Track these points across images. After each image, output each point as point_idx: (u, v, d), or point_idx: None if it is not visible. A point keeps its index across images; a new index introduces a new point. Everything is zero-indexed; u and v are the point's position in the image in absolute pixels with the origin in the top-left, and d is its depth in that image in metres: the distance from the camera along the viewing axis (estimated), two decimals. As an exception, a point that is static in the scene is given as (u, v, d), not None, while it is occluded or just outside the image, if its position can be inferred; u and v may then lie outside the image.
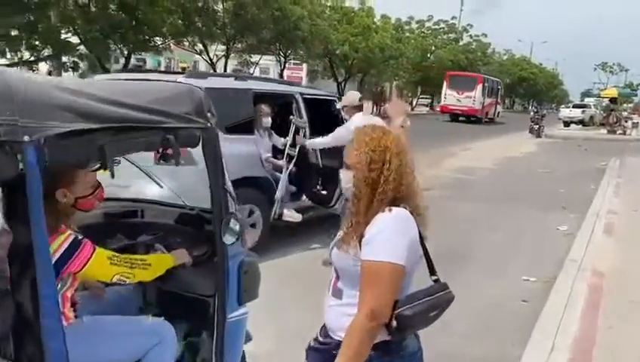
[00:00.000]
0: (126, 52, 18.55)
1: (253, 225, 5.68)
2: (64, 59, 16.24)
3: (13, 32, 14.36)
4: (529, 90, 64.38)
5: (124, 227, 2.82)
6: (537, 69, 64.95)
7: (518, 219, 8.09)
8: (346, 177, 1.87)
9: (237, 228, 2.19)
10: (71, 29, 16.00)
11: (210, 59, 23.34)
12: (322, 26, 24.10)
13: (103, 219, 2.87)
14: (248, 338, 2.70)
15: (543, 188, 10.76)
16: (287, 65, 31.70)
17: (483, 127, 30.47)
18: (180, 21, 17.61)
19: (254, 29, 21.41)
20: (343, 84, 31.77)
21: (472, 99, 30.81)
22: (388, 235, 1.73)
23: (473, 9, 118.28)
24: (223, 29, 21.18)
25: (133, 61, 22.62)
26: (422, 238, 1.84)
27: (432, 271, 1.89)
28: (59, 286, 2.00)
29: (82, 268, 2.03)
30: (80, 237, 2.04)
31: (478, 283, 5.15)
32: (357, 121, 5.31)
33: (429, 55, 39.24)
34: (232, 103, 5.60)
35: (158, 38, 18.72)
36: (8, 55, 15.58)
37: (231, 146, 5.44)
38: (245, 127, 5.67)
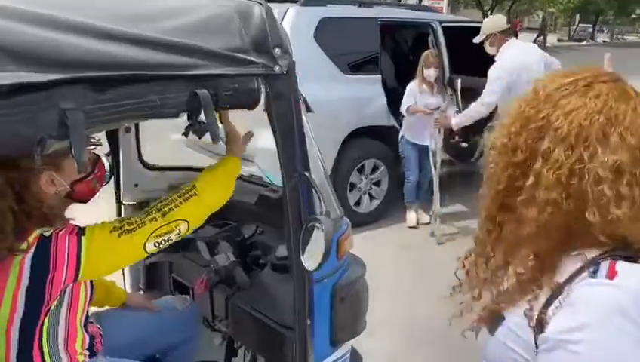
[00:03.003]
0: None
1: (377, 183, 4.80)
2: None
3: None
4: None
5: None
6: None
7: None
8: None
9: (323, 243, 1.22)
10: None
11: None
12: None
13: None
14: None
15: None
16: (427, -6, 29.30)
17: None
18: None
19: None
20: (488, 14, 28.71)
21: None
22: (605, 337, 0.72)
23: None
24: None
25: None
26: None
27: None
28: (47, 321, 1.28)
29: (76, 273, 1.23)
30: (49, 232, 1.23)
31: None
32: (512, 54, 4.07)
33: (593, -24, 34.09)
34: (353, 36, 4.67)
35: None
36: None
37: (351, 88, 4.58)
38: (369, 65, 4.72)
